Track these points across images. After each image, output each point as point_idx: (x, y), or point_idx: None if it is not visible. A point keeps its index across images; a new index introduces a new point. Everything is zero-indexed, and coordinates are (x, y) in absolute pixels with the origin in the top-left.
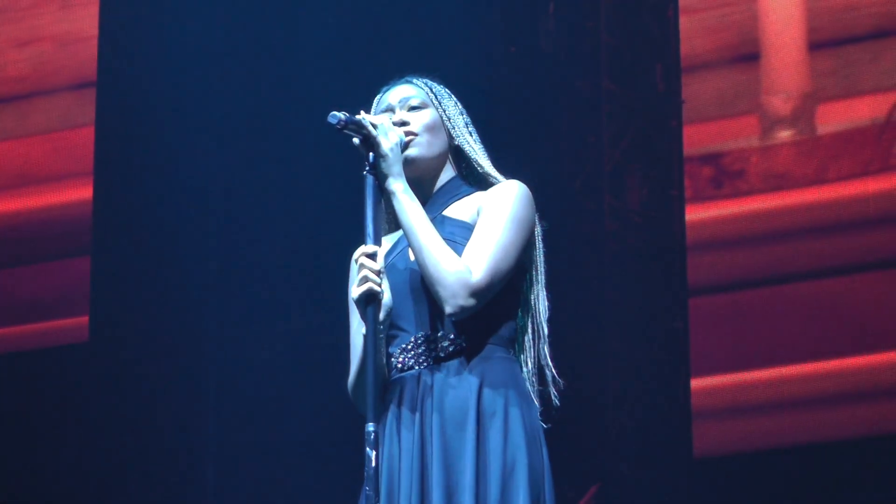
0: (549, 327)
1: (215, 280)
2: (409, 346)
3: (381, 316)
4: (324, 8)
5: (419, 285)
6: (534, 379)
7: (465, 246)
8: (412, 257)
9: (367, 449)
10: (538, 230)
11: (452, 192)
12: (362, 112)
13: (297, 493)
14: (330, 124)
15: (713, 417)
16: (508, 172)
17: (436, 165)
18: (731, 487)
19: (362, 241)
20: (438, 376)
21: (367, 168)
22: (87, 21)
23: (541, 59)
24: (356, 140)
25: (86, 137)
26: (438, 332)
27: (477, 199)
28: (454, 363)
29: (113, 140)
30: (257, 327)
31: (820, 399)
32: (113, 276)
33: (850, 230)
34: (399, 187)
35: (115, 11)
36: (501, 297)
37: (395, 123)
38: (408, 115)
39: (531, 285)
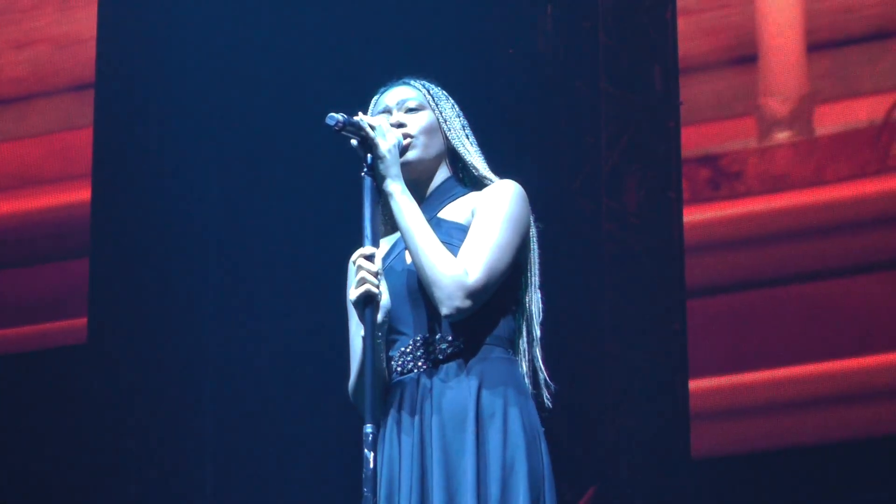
0: (545, 329)
1: (213, 281)
2: (408, 350)
3: (380, 318)
4: (322, 9)
5: (416, 287)
6: (529, 382)
7: (460, 248)
8: (409, 259)
9: (365, 450)
10: (533, 230)
11: (447, 194)
12: (360, 113)
13: (296, 494)
14: (328, 126)
15: (711, 419)
16: (507, 173)
17: (432, 167)
18: (729, 488)
19: (360, 243)
20: (437, 378)
21: (365, 169)
22: (85, 23)
23: (539, 60)
24: (354, 141)
25: (84, 139)
26: (436, 334)
27: (471, 199)
28: (453, 365)
29: (111, 142)
30: (255, 328)
31: (818, 400)
32: (111, 278)
33: (848, 232)
34: (397, 189)
35: (113, 13)
36: (498, 297)
37: (392, 125)
38: (405, 117)
39: (525, 287)
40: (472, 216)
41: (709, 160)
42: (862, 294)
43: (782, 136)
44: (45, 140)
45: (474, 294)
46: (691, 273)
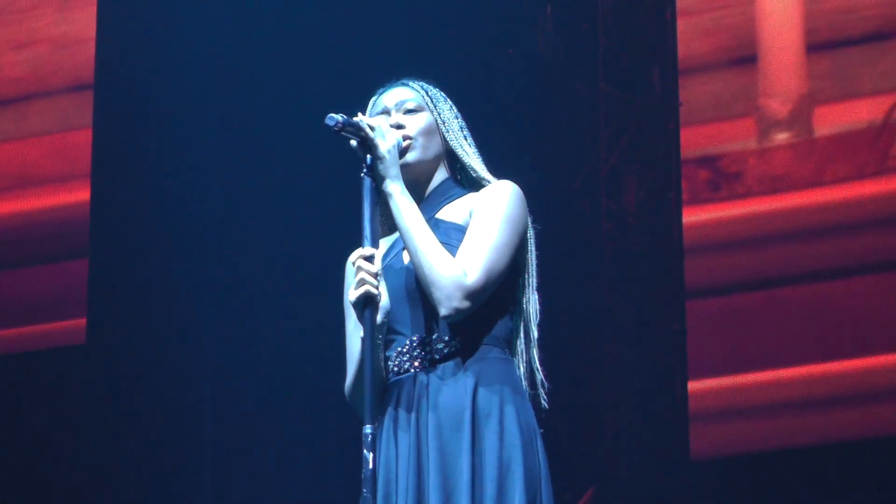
0: (545, 329)
1: (212, 282)
2: (405, 349)
3: (379, 319)
4: (321, 10)
5: (414, 288)
6: (526, 383)
7: (458, 248)
8: (406, 259)
9: (365, 451)
10: (530, 231)
11: (445, 195)
12: (360, 114)
13: (295, 494)
14: (328, 126)
15: (710, 420)
16: (506, 174)
17: (430, 168)
18: (728, 489)
19: (359, 243)
20: (434, 378)
21: (365, 170)
22: (84, 23)
23: (538, 61)
24: (354, 142)
25: (83, 139)
26: (434, 333)
27: (469, 200)
28: (449, 364)
29: (110, 142)
30: (254, 328)
31: (817, 401)
32: (110, 279)
33: (847, 233)
34: (396, 189)
35: (112, 14)
36: (496, 297)
37: (391, 126)
38: (404, 119)
39: (523, 288)
40: (470, 217)
41: (708, 161)
42: (861, 295)
43: (782, 136)
44: (44, 140)
45: (473, 295)
46: (691, 274)
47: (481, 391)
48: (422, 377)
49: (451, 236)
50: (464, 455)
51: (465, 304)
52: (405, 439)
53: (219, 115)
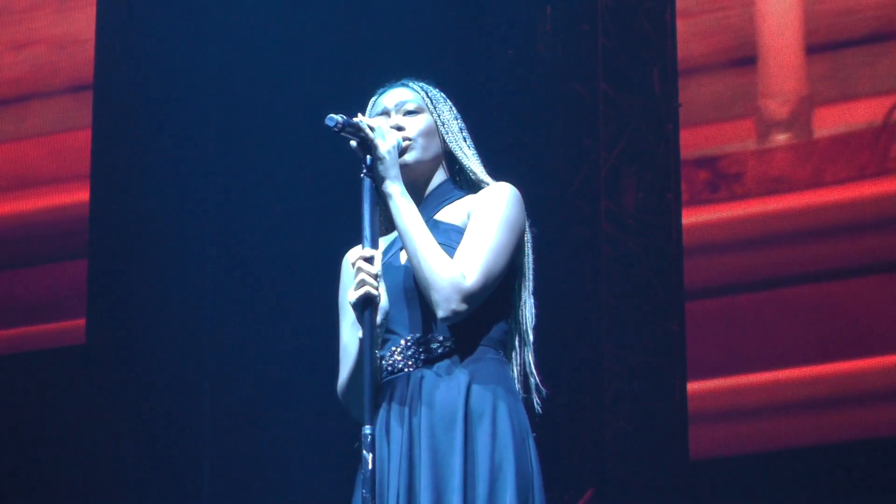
0: (544, 330)
1: (212, 282)
2: (400, 349)
3: (378, 320)
4: (321, 11)
5: (411, 288)
6: (519, 386)
7: (456, 250)
8: (403, 259)
9: (364, 451)
10: (528, 235)
11: (444, 196)
12: (360, 115)
13: (293, 496)
14: (327, 127)
15: (709, 420)
16: (505, 175)
17: (429, 169)
18: (727, 490)
19: (358, 242)
20: (428, 378)
21: (365, 171)
22: (83, 24)
23: (538, 62)
24: (353, 143)
25: (83, 140)
26: (429, 333)
27: (467, 202)
28: (444, 365)
29: (110, 143)
30: (254, 329)
31: (816, 402)
32: (109, 279)
33: (847, 234)
34: (396, 190)
35: (111, 14)
36: (492, 299)
37: (390, 128)
38: (403, 120)
39: (519, 291)
40: (468, 219)
41: (707, 162)
42: (860, 296)
43: (781, 137)
44: (43, 141)
45: (471, 297)
46: (690, 275)
47: (475, 391)
48: (415, 377)
49: (449, 238)
50: (456, 455)
51: (463, 306)
52: (397, 438)
53: (218, 116)
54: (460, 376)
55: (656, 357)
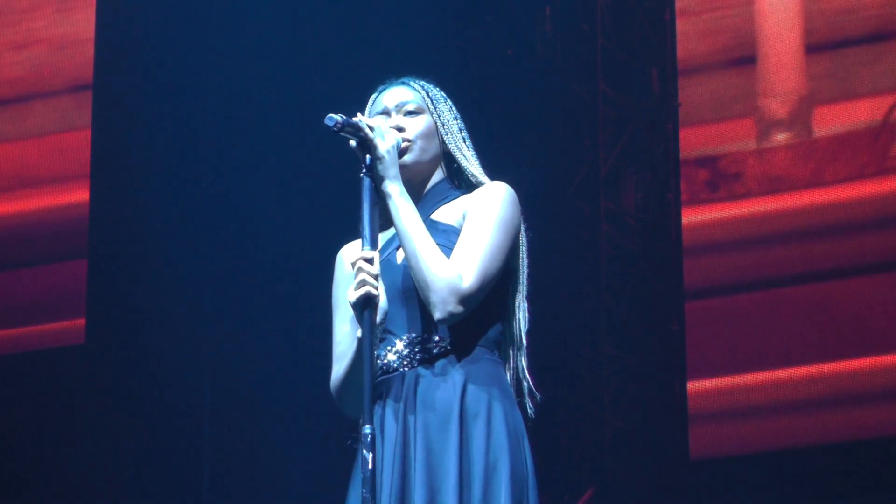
0: (544, 330)
1: (211, 282)
2: (395, 348)
3: (378, 319)
4: (320, 10)
5: (408, 287)
6: (513, 390)
7: (452, 250)
8: (399, 259)
9: (364, 451)
10: (523, 237)
11: (441, 196)
12: (359, 114)
13: (293, 495)
14: (327, 127)
15: (709, 420)
16: (505, 175)
17: (427, 169)
18: (727, 489)
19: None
20: (423, 378)
21: (364, 170)
22: (83, 24)
23: (537, 62)
24: (353, 142)
25: (82, 140)
26: (425, 333)
27: (463, 202)
28: (439, 364)
29: (109, 143)
30: (254, 329)
31: (816, 402)
32: (109, 279)
33: (846, 233)
34: (396, 190)
35: (111, 14)
36: (488, 300)
37: (390, 128)
38: (403, 121)
39: (514, 292)
40: (464, 219)
41: (707, 161)
42: (860, 295)
43: (781, 137)
44: (43, 141)
45: (467, 299)
46: (690, 274)
47: (470, 392)
48: (410, 376)
49: (445, 238)
50: (450, 455)
51: (460, 308)
52: (391, 437)
53: (217, 116)
54: (456, 376)
55: (656, 357)
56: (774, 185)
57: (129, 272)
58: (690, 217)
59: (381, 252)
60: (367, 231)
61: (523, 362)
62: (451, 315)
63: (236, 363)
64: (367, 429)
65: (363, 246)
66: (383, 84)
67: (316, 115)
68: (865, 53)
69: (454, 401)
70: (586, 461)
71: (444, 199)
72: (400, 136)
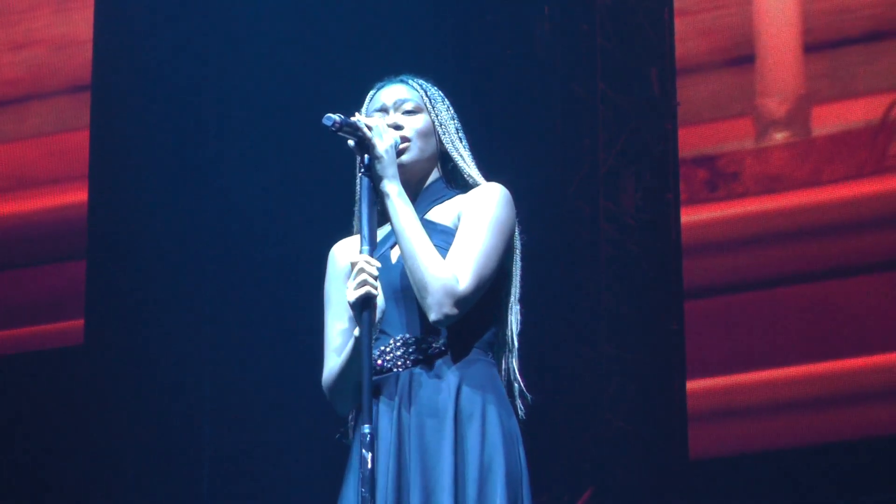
0: (543, 330)
1: (211, 283)
2: (389, 348)
3: (376, 317)
4: (322, 9)
5: (404, 287)
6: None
7: (448, 251)
8: (394, 258)
9: (363, 451)
10: (517, 240)
11: (436, 195)
12: (357, 114)
13: (293, 495)
14: (325, 126)
15: (709, 420)
16: (503, 175)
17: (424, 168)
18: (727, 489)
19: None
20: (417, 378)
21: (363, 170)
22: (82, 25)
23: (536, 62)
24: (351, 142)
25: (81, 141)
26: (418, 334)
27: (458, 202)
28: (433, 365)
29: (108, 144)
30: (253, 329)
31: (815, 401)
32: (108, 280)
33: (845, 232)
34: (394, 189)
35: (110, 15)
36: (483, 301)
37: (388, 126)
38: (402, 119)
39: (508, 294)
40: (458, 219)
41: (706, 161)
42: (859, 295)
43: (779, 136)
44: (41, 142)
45: (463, 301)
46: (689, 274)
47: (464, 392)
48: (405, 377)
49: (441, 238)
50: (445, 455)
51: (455, 310)
52: (386, 438)
53: (216, 117)
54: (450, 377)
55: (655, 356)
56: (773, 185)
57: (129, 272)
58: (689, 217)
59: (378, 248)
60: (365, 231)
61: (515, 364)
62: (447, 317)
63: (236, 363)
64: (366, 428)
65: (361, 245)
66: (381, 81)
67: (315, 114)
68: (864, 52)
69: (449, 402)
70: (586, 461)
71: (440, 199)
72: (398, 135)
